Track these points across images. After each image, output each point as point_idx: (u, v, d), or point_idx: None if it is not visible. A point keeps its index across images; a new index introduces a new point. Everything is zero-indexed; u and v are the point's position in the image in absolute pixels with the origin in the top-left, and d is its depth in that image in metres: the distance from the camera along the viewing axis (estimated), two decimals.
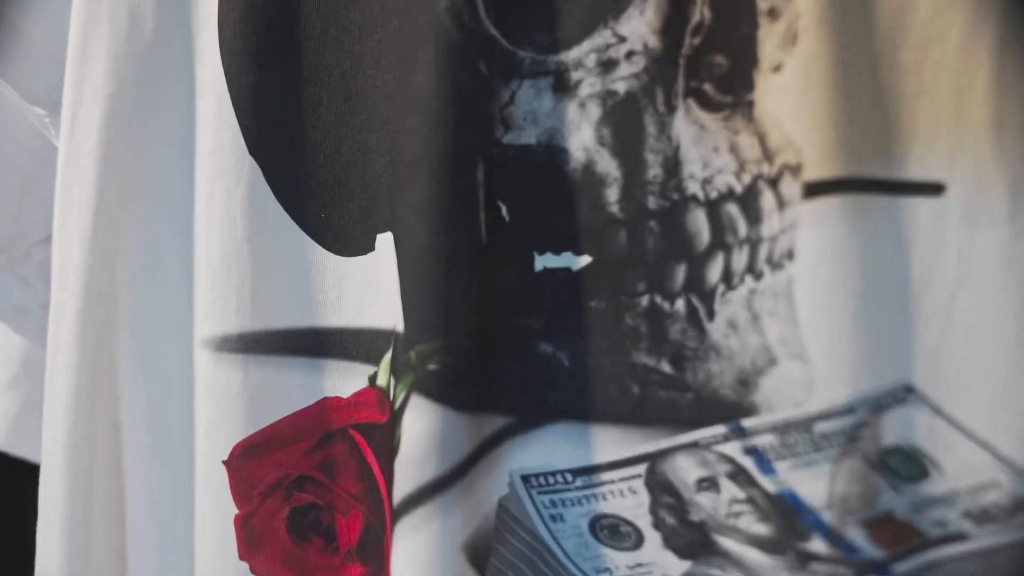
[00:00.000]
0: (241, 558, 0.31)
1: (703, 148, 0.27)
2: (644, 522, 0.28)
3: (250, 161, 0.32)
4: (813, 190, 0.25)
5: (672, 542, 0.27)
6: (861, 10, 0.25)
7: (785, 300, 0.25)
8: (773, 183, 0.25)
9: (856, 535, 0.24)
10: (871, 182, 0.25)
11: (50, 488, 0.34)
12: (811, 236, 0.25)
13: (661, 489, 0.27)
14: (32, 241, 0.38)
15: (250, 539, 0.32)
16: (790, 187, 0.25)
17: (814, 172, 0.25)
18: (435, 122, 0.28)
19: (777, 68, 0.26)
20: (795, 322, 0.25)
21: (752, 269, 0.26)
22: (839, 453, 0.24)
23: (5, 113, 0.36)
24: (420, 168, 0.28)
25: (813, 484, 0.25)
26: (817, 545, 0.25)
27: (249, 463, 0.32)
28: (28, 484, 0.43)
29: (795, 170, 0.25)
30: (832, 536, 0.25)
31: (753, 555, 0.26)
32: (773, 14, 0.26)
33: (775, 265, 0.26)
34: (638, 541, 0.28)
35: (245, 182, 0.32)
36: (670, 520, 0.27)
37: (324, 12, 0.31)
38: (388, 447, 0.29)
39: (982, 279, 0.24)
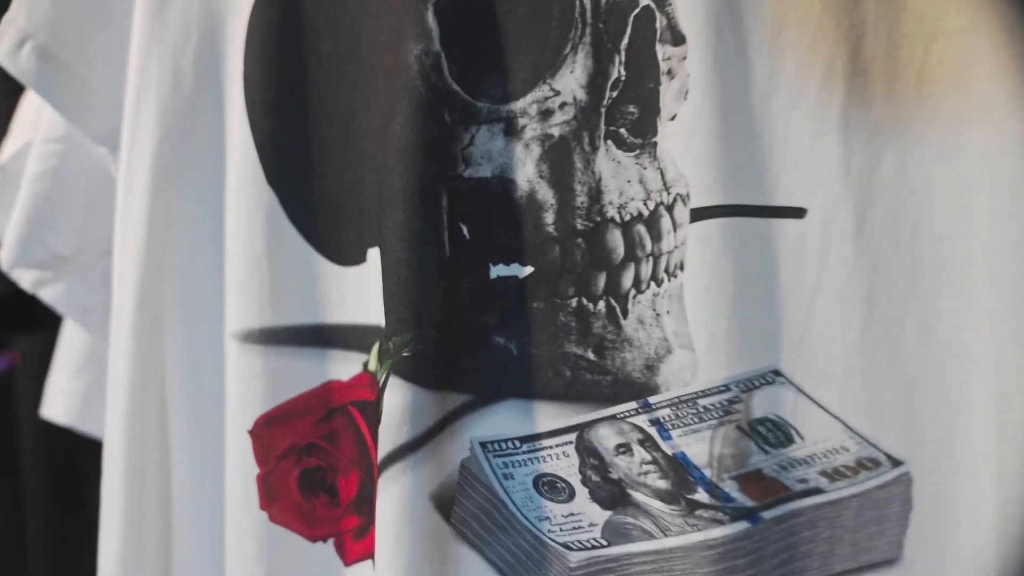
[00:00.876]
0: (261, 508, 0.39)
1: (619, 180, 0.33)
2: (575, 480, 0.34)
3: (268, 190, 0.39)
4: (698, 214, 0.31)
5: (596, 495, 0.34)
6: (739, 70, 0.31)
7: (678, 302, 0.32)
8: (670, 209, 0.32)
9: (731, 487, 0.31)
10: (745, 207, 0.31)
11: (111, 453, 0.42)
12: (696, 251, 0.31)
13: (588, 453, 0.34)
14: (95, 253, 0.47)
15: (268, 493, 0.40)
16: (681, 212, 0.32)
17: (699, 200, 0.31)
18: (408, 162, 0.35)
19: (673, 117, 0.32)
20: (685, 319, 0.32)
21: (655, 277, 0.33)
22: (717, 422, 0.31)
23: (76, 151, 0.44)
24: (398, 198, 0.35)
25: (698, 447, 0.31)
26: (701, 496, 0.31)
27: (268, 432, 0.40)
28: (91, 459, 0.52)
29: (685, 198, 0.32)
30: (712, 488, 0.31)
31: (656, 505, 0.33)
32: (671, 73, 0.32)
33: (671, 274, 0.32)
34: (571, 495, 0.35)
35: (264, 207, 0.39)
36: (595, 478, 0.34)
37: (326, 68, 0.39)
38: (376, 419, 0.37)
39: (834, 285, 0.31)
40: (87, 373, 0.52)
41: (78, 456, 0.63)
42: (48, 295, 0.48)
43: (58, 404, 0.54)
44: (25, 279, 0.47)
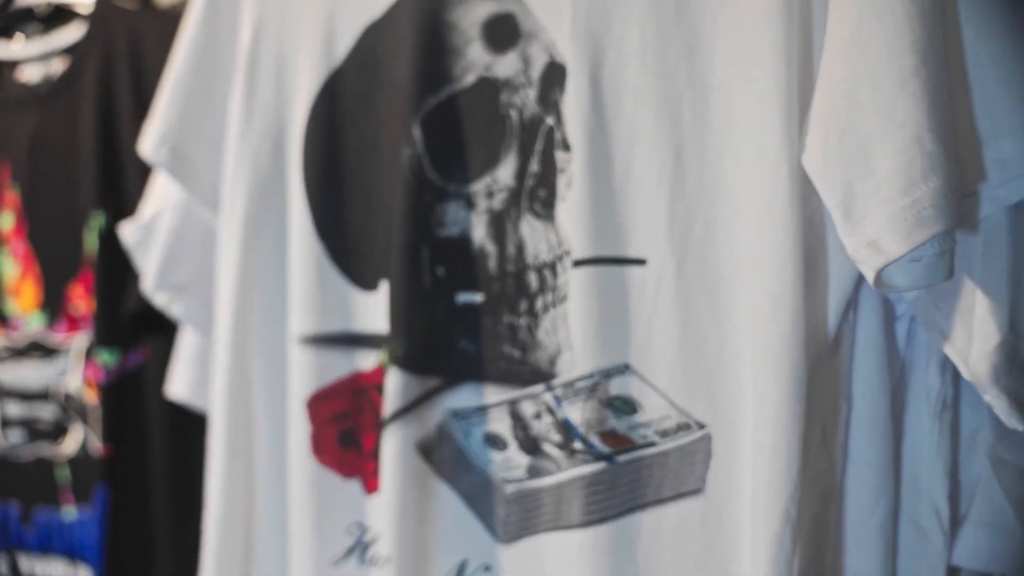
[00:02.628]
0: (312, 454, 0.60)
1: (535, 239, 0.52)
2: (509, 436, 0.53)
3: (317, 240, 0.60)
4: (577, 263, 0.50)
5: (523, 446, 0.53)
6: (604, 169, 0.49)
7: (564, 320, 0.50)
8: (561, 259, 0.50)
9: (596, 440, 0.49)
10: (607, 259, 0.49)
11: (215, 419, 0.64)
12: (575, 287, 0.50)
13: (516, 418, 0.53)
14: (205, 281, 0.69)
15: (317, 445, 0.60)
16: (567, 262, 0.50)
17: (578, 254, 0.50)
18: (403, 226, 0.54)
19: (564, 199, 0.50)
20: (568, 331, 0.50)
21: (553, 303, 0.51)
22: (586, 398, 0.49)
23: (192, 213, 0.66)
24: (396, 250, 0.55)
25: (576, 414, 0.50)
26: (579, 445, 0.50)
27: (317, 405, 0.60)
28: (196, 428, 0.74)
29: (569, 253, 0.50)
30: (584, 441, 0.49)
31: (555, 452, 0.51)
32: (563, 170, 0.51)
33: (561, 301, 0.50)
34: (506, 446, 0.53)
35: (314, 251, 0.60)
36: (521, 435, 0.53)
37: (354, 158, 0.59)
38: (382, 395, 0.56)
39: (664, 310, 0.48)
40: (198, 364, 0.74)
41: (188, 425, 0.85)
42: (174, 310, 0.70)
43: (178, 386, 0.77)
44: (159, 299, 0.69)
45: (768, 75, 0.44)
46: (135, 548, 0.88)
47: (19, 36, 0.98)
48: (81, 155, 0.90)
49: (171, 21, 0.88)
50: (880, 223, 0.38)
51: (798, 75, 0.43)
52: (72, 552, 0.93)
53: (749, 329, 0.45)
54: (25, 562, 0.95)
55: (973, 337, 0.41)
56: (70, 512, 0.93)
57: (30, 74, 0.96)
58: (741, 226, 0.46)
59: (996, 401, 0.41)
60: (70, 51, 0.93)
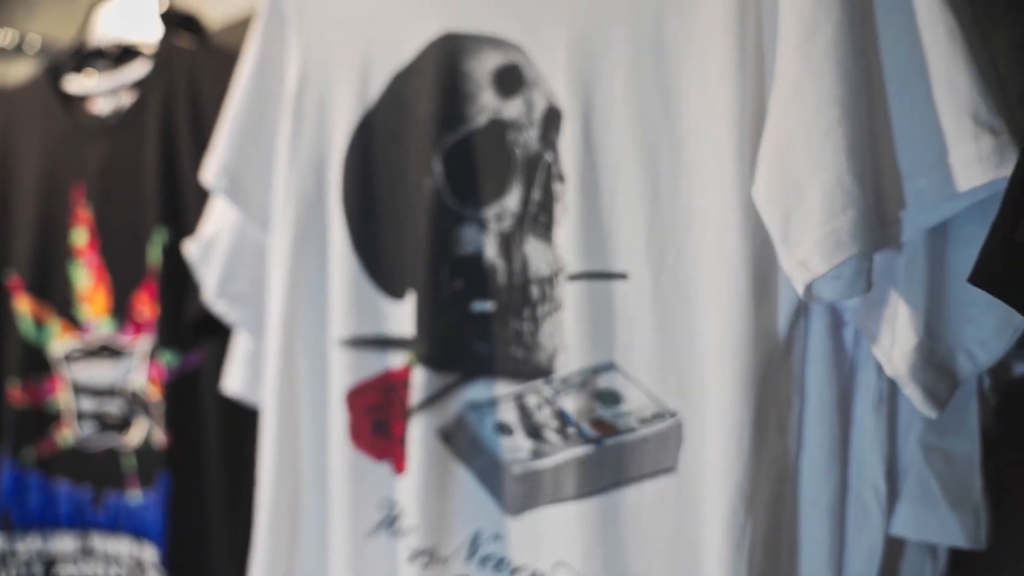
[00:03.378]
0: (349, 440, 0.70)
1: (536, 258, 0.62)
2: (516, 424, 0.63)
3: (354, 256, 0.70)
4: (570, 278, 0.59)
5: (527, 432, 0.62)
6: (594, 197, 0.59)
7: (560, 325, 0.60)
8: (558, 274, 0.60)
9: (586, 427, 0.59)
10: (595, 273, 0.59)
11: (266, 411, 0.74)
12: (569, 298, 0.59)
13: (522, 408, 0.63)
14: (257, 291, 0.80)
15: (354, 433, 0.70)
16: (562, 276, 0.60)
17: (570, 270, 0.59)
18: (426, 247, 0.65)
19: (560, 223, 0.60)
20: (564, 334, 0.60)
21: (552, 311, 0.61)
22: (578, 391, 0.59)
23: (246, 232, 0.77)
24: (421, 267, 0.65)
25: (570, 404, 0.59)
26: (572, 431, 0.59)
27: (354, 398, 0.71)
28: (247, 422, 0.85)
29: (564, 269, 0.60)
30: (576, 427, 0.59)
31: (553, 437, 0.61)
32: (559, 199, 0.60)
33: (557, 310, 0.60)
34: (512, 433, 0.63)
35: (351, 266, 0.70)
36: (525, 423, 0.62)
37: (386, 186, 0.69)
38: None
39: (644, 318, 0.58)
40: (250, 363, 0.85)
41: (240, 419, 0.96)
42: (231, 317, 0.81)
43: (233, 383, 0.88)
44: (219, 307, 0.81)
45: (726, 122, 0.53)
46: (194, 528, 1.00)
47: (92, 73, 1.11)
48: (146, 178, 1.02)
49: (224, 59, 1.00)
50: (808, 246, 0.47)
51: (750, 123, 0.53)
52: (138, 531, 1.05)
53: (711, 334, 0.55)
54: (97, 540, 1.08)
55: (896, 340, 0.50)
56: (136, 496, 1.05)
57: (101, 106, 1.09)
58: (704, 247, 0.55)
59: (913, 394, 0.50)
60: (136, 86, 1.05)
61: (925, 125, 0.49)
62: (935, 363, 0.50)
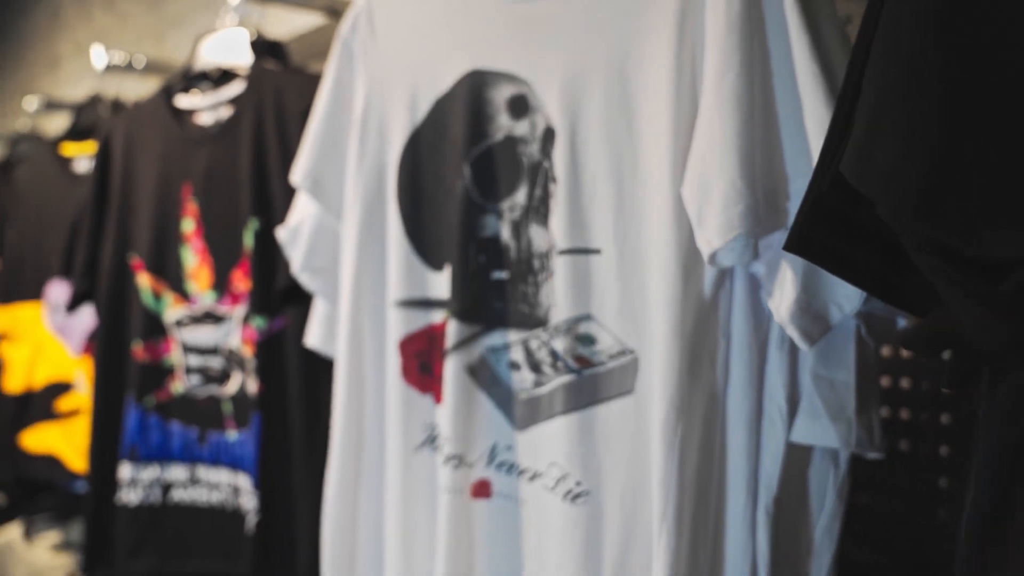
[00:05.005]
0: (401, 377, 0.96)
1: (537, 238, 0.87)
2: (522, 361, 0.88)
3: (406, 239, 0.96)
4: (560, 253, 0.84)
5: (530, 368, 0.88)
6: (577, 194, 0.83)
7: (553, 288, 0.85)
8: (552, 250, 0.85)
9: (570, 361, 0.83)
10: (578, 249, 0.83)
11: (339, 359, 1.01)
12: (559, 267, 0.84)
13: (526, 350, 0.88)
14: (333, 266, 1.07)
15: (405, 372, 0.97)
16: (555, 252, 0.84)
17: (560, 247, 0.84)
18: (458, 231, 0.90)
19: (553, 213, 0.85)
20: (555, 294, 0.84)
21: (548, 278, 0.86)
22: (564, 335, 0.83)
23: (324, 220, 1.05)
24: (454, 245, 0.91)
25: (560, 345, 0.84)
26: (560, 364, 0.84)
27: (405, 345, 0.97)
28: (323, 370, 1.12)
29: (556, 246, 0.84)
30: (564, 362, 0.84)
31: (548, 370, 0.86)
32: (553, 196, 0.85)
33: (551, 276, 0.85)
34: (520, 368, 0.88)
35: (404, 246, 0.97)
36: (529, 360, 0.87)
37: (431, 183, 0.95)
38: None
39: (612, 283, 0.82)
40: (326, 323, 1.12)
41: (317, 371, 1.24)
42: (312, 286, 1.09)
43: (313, 338, 1.15)
44: (304, 279, 1.08)
45: (667, 141, 0.77)
46: (280, 458, 1.28)
47: (197, 92, 1.40)
48: (241, 177, 1.31)
49: (302, 79, 1.27)
50: (711, 228, 0.71)
51: (683, 142, 0.76)
52: (234, 463, 1.34)
53: (657, 293, 0.79)
54: (202, 470, 1.37)
55: (783, 296, 0.73)
56: (232, 435, 1.34)
57: (205, 119, 1.38)
58: (652, 231, 0.79)
59: (793, 333, 0.73)
60: (233, 102, 1.34)
61: (802, 141, 0.72)
62: (811, 312, 0.73)
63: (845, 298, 0.73)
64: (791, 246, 0.60)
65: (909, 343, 0.59)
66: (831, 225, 0.56)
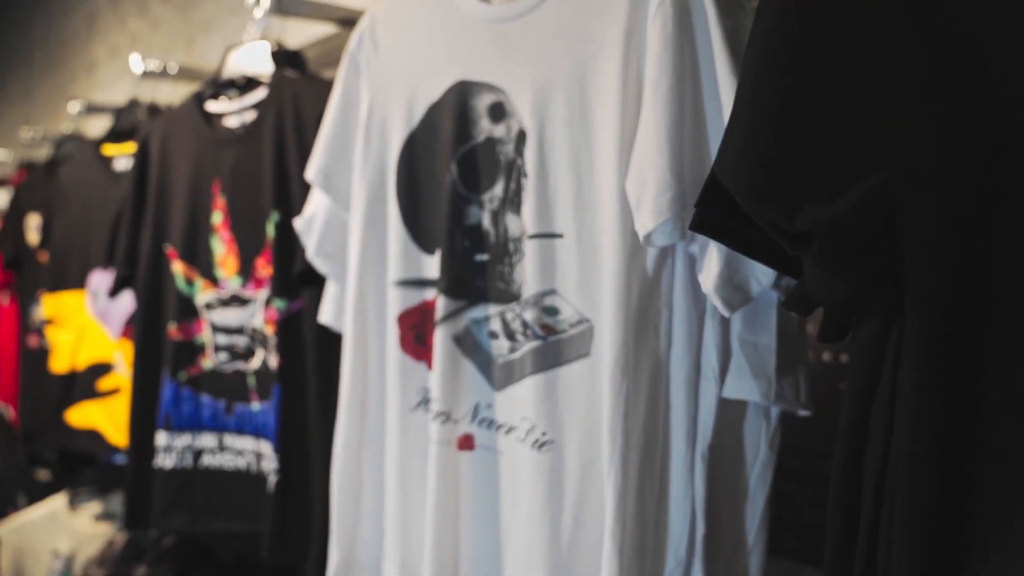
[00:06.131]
0: (399, 347, 1.14)
1: (512, 225, 1.04)
2: (500, 331, 1.05)
3: (403, 227, 1.14)
4: (530, 237, 1.01)
5: (506, 336, 1.05)
6: (543, 187, 1.00)
7: (524, 267, 1.02)
8: (523, 235, 1.02)
9: (537, 329, 1.00)
10: (544, 234, 1.00)
11: (348, 332, 1.19)
12: (528, 252, 1.01)
13: (503, 321, 1.05)
14: (342, 251, 1.25)
15: (403, 343, 1.14)
16: (526, 237, 1.01)
17: (530, 232, 1.01)
18: (447, 220, 1.08)
19: (525, 203, 1.02)
20: (526, 272, 1.01)
21: (520, 259, 1.02)
22: (533, 307, 1.00)
23: (334, 211, 1.23)
24: (443, 232, 1.08)
25: (529, 316, 1.01)
26: (530, 332, 1.01)
27: (403, 319, 1.15)
28: (334, 343, 1.31)
29: (526, 232, 1.01)
30: (533, 330, 1.00)
31: (521, 338, 1.03)
32: (524, 189, 1.02)
33: (523, 257, 1.02)
34: (498, 337, 1.05)
35: (402, 233, 1.14)
36: (505, 330, 1.04)
37: (425, 178, 1.13)
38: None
39: (571, 262, 0.99)
40: (336, 302, 1.30)
41: (329, 347, 1.42)
42: (324, 269, 1.27)
43: (325, 316, 1.33)
44: (317, 263, 1.26)
45: (615, 142, 0.93)
46: (298, 424, 1.46)
47: (225, 98, 1.60)
48: (264, 175, 1.49)
49: (320, 86, 1.46)
50: (645, 213, 0.87)
51: (628, 142, 0.92)
52: (257, 432, 1.53)
53: (608, 271, 0.95)
54: (229, 438, 1.56)
55: (709, 270, 0.89)
56: (256, 405, 1.53)
57: (231, 122, 1.57)
58: (604, 218, 0.96)
59: (716, 302, 0.88)
60: (256, 107, 1.53)
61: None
62: (732, 284, 0.88)
63: (763, 273, 0.89)
64: (694, 225, 0.76)
65: (788, 304, 0.75)
66: (727, 208, 0.72)
